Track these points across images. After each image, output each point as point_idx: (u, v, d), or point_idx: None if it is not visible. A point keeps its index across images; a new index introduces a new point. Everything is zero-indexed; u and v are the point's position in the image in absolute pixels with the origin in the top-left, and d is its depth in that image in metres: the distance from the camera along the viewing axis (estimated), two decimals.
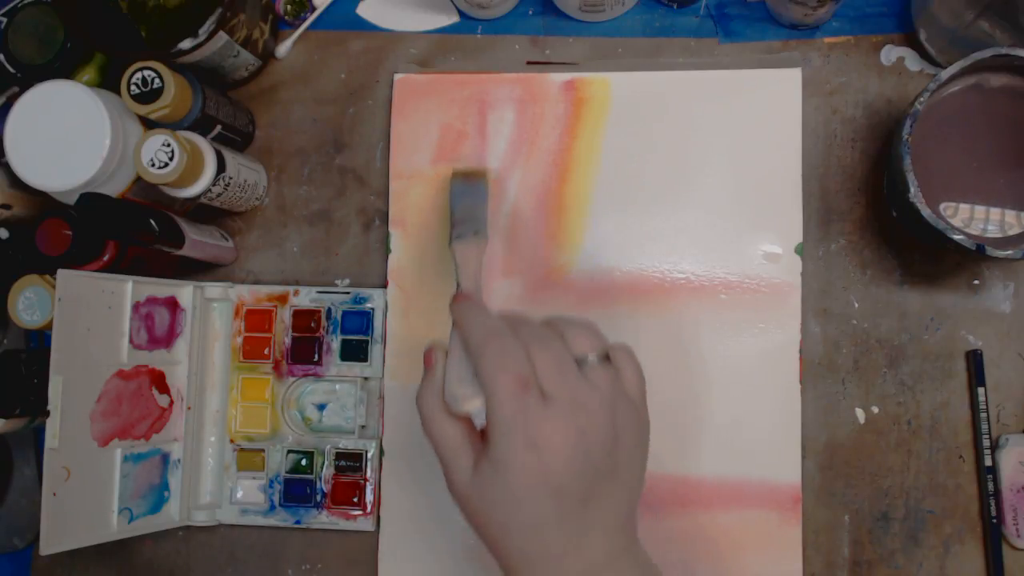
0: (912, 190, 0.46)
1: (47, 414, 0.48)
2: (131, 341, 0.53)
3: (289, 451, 0.57)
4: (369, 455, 0.56)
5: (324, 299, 0.57)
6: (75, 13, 0.53)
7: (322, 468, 0.56)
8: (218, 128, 0.56)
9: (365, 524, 0.56)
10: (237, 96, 0.60)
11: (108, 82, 0.57)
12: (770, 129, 0.54)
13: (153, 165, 0.49)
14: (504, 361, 0.38)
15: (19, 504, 0.59)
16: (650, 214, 0.55)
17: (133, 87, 0.50)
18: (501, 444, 0.37)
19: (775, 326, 0.53)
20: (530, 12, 0.58)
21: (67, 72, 0.56)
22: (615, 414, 0.39)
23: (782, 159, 0.54)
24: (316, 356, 0.57)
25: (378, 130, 0.59)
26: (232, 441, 0.57)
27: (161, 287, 0.55)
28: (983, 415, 0.52)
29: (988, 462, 0.52)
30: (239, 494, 0.57)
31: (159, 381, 0.55)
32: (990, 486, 0.51)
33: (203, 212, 0.58)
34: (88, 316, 0.50)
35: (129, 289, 0.53)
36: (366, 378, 0.57)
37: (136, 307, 0.53)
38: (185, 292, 0.57)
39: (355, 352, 0.57)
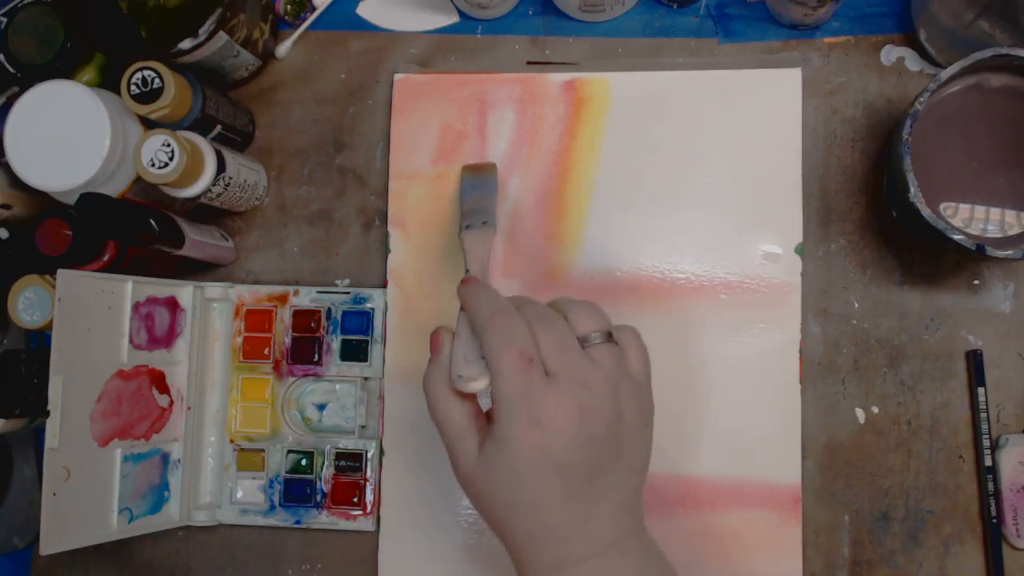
0: (912, 190, 0.46)
1: (47, 414, 0.48)
2: (131, 341, 0.53)
3: (289, 451, 0.57)
4: (369, 455, 0.56)
5: (324, 299, 0.57)
6: (75, 13, 0.53)
7: (322, 468, 0.56)
8: (218, 128, 0.56)
9: (365, 524, 0.56)
10: (237, 96, 0.60)
11: (108, 82, 0.57)
12: (770, 129, 0.54)
13: (153, 165, 0.49)
14: (509, 337, 0.38)
15: (19, 504, 0.59)
16: (650, 214, 0.55)
17: (133, 87, 0.50)
18: (505, 421, 0.37)
19: (775, 326, 0.53)
20: (530, 12, 0.58)
21: (67, 72, 0.56)
22: (618, 393, 0.39)
23: (782, 159, 0.54)
24: (316, 356, 0.57)
25: (378, 130, 0.59)
26: (232, 441, 0.57)
27: (161, 287, 0.55)
28: (983, 415, 0.52)
29: (988, 462, 0.52)
30: (239, 494, 0.57)
31: (159, 381, 0.55)
32: (990, 486, 0.51)
33: (203, 212, 0.58)
34: (88, 316, 0.50)
35: (129, 289, 0.53)
36: (366, 378, 0.57)
37: (136, 307, 0.53)
38: (185, 292, 0.57)
39: (355, 352, 0.57)
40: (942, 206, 0.48)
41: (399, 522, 0.55)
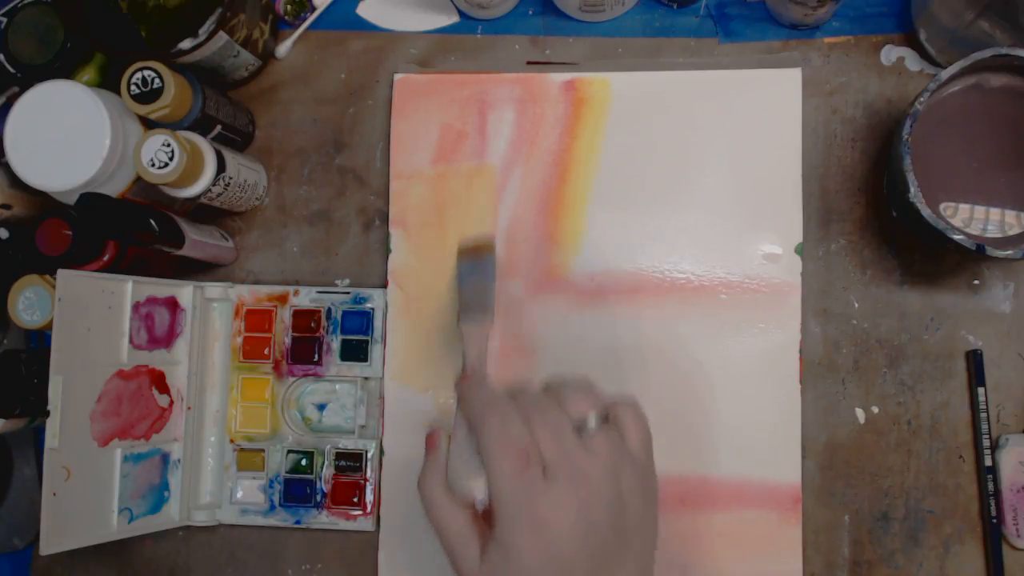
0: (912, 190, 0.46)
1: (47, 414, 0.48)
2: (131, 341, 0.53)
3: (289, 451, 0.57)
4: (369, 455, 0.56)
5: (324, 299, 0.57)
6: (75, 13, 0.53)
7: (322, 468, 0.56)
8: (218, 128, 0.56)
9: (365, 524, 0.56)
10: (237, 96, 0.60)
11: (108, 82, 0.57)
12: (770, 129, 0.54)
13: (153, 165, 0.49)
14: (505, 435, 0.37)
15: (19, 504, 0.59)
16: (650, 214, 0.55)
17: (133, 87, 0.50)
18: (506, 526, 0.37)
19: (775, 326, 0.53)
20: (530, 12, 0.58)
21: (67, 72, 0.56)
22: (619, 480, 0.38)
23: (782, 159, 0.54)
24: (316, 356, 0.57)
25: (378, 130, 0.59)
26: (232, 441, 0.57)
27: (161, 287, 0.55)
28: (983, 415, 0.52)
29: (988, 462, 0.52)
30: (239, 494, 0.57)
31: (159, 381, 0.55)
32: (990, 486, 0.51)
33: (203, 212, 0.58)
34: (88, 316, 0.50)
35: (129, 289, 0.53)
36: (366, 378, 0.57)
37: (136, 307, 0.53)
38: (185, 292, 0.57)
39: (355, 352, 0.57)
40: (942, 206, 0.48)
41: (399, 522, 0.55)
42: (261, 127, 0.60)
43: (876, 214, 0.55)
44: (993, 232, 0.48)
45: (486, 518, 0.39)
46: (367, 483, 0.56)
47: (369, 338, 0.57)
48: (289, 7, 0.60)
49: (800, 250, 0.54)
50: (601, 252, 0.55)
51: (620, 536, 0.38)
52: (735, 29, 0.56)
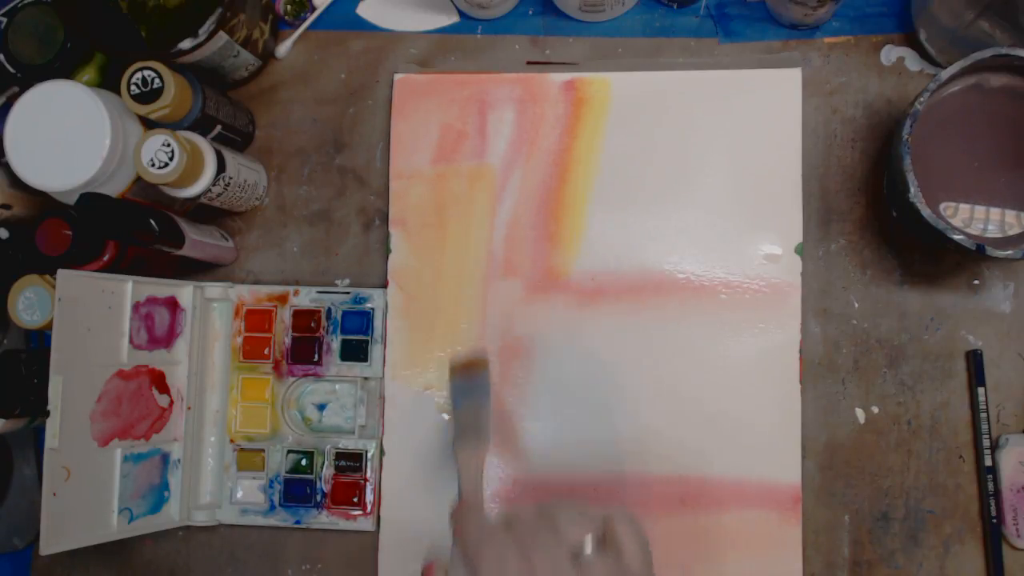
0: (912, 190, 0.46)
1: (47, 414, 0.48)
2: (131, 341, 0.53)
3: (289, 451, 0.57)
4: (369, 455, 0.56)
5: (324, 299, 0.57)
6: (75, 13, 0.53)
7: (322, 468, 0.56)
8: (218, 128, 0.56)
9: (365, 524, 0.56)
10: (237, 96, 0.60)
11: (108, 82, 0.57)
12: (770, 129, 0.54)
13: (153, 165, 0.49)
14: (502, 570, 0.37)
15: (19, 504, 0.59)
16: (650, 214, 0.55)
17: (133, 87, 0.50)
18: None
19: (775, 326, 0.53)
20: (530, 12, 0.58)
21: (67, 72, 0.56)
22: None
23: (782, 159, 0.54)
24: (316, 356, 0.57)
25: (378, 130, 0.59)
26: (232, 441, 0.57)
27: (161, 287, 0.55)
28: (983, 415, 0.52)
29: (988, 462, 0.52)
30: (239, 494, 0.57)
31: (159, 381, 0.55)
32: (990, 486, 0.51)
33: (203, 212, 0.58)
34: (88, 316, 0.50)
35: (129, 289, 0.53)
36: (366, 378, 0.57)
37: (136, 307, 0.53)
38: (185, 292, 0.57)
39: (355, 352, 0.57)
40: (942, 206, 0.48)
41: (399, 522, 0.55)
42: (261, 127, 0.60)
43: (876, 214, 0.55)
44: (993, 232, 0.48)
45: None
46: (367, 483, 0.56)
47: (369, 338, 0.57)
48: (289, 7, 0.60)
49: (800, 250, 0.54)
50: (601, 252, 0.55)
51: None
52: (735, 29, 0.56)
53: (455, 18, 0.59)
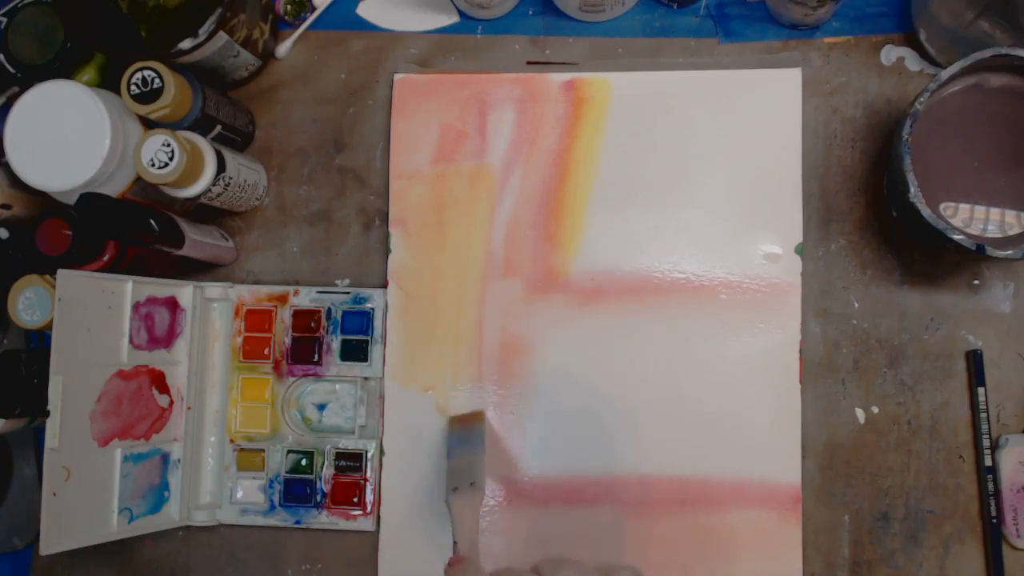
0: (912, 190, 0.46)
1: (47, 414, 0.48)
2: (131, 341, 0.53)
3: (289, 451, 0.57)
4: (369, 455, 0.56)
5: (324, 299, 0.57)
6: (75, 13, 0.53)
7: (322, 468, 0.56)
8: (218, 128, 0.56)
9: (365, 524, 0.56)
10: (237, 96, 0.60)
11: (108, 82, 0.57)
12: (770, 129, 0.54)
13: (153, 165, 0.49)
14: None
15: (19, 504, 0.59)
16: (650, 214, 0.55)
17: (133, 87, 0.50)
18: None
19: (775, 326, 0.53)
20: (530, 12, 0.58)
21: (67, 72, 0.56)
22: None
23: (782, 159, 0.54)
24: (316, 356, 0.57)
25: (378, 130, 0.59)
26: (232, 441, 0.57)
27: (161, 287, 0.55)
28: (983, 415, 0.52)
29: (988, 462, 0.52)
30: (239, 494, 0.57)
31: (159, 381, 0.55)
32: (990, 486, 0.51)
33: (203, 212, 0.58)
34: (88, 316, 0.50)
35: (129, 289, 0.53)
36: (366, 378, 0.57)
37: (136, 307, 0.53)
38: (185, 292, 0.57)
39: (355, 352, 0.57)
40: (942, 206, 0.48)
41: (399, 522, 0.55)
42: (261, 127, 0.60)
43: (876, 214, 0.55)
44: (993, 232, 0.48)
45: None
46: (367, 483, 0.56)
47: (369, 338, 0.57)
48: (289, 7, 0.60)
49: (800, 250, 0.54)
50: (601, 252, 0.55)
51: None
52: (735, 29, 0.56)
53: (455, 18, 0.59)
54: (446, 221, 0.56)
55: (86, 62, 0.57)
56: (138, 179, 0.53)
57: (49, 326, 0.52)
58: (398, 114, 0.57)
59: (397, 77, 0.58)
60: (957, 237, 0.45)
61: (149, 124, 0.53)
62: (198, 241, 0.55)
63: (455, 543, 0.44)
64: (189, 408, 0.56)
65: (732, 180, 0.54)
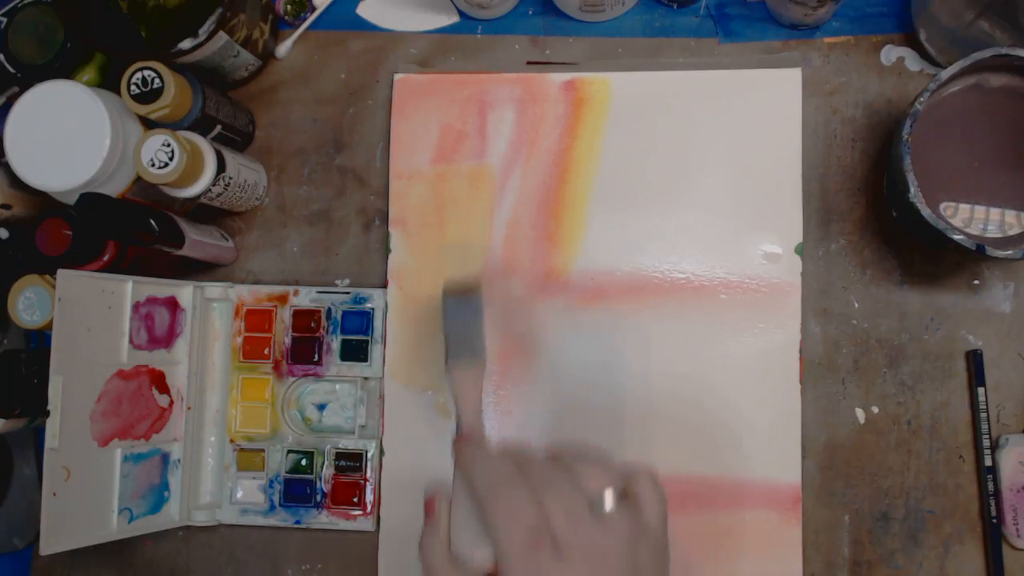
0: (912, 190, 0.46)
1: (47, 414, 0.48)
2: (131, 341, 0.53)
3: (289, 451, 0.57)
4: (369, 455, 0.56)
5: (324, 299, 0.57)
6: (75, 13, 0.53)
7: (322, 468, 0.56)
8: (218, 128, 0.56)
9: (365, 524, 0.56)
10: (237, 96, 0.60)
11: (108, 82, 0.57)
12: (770, 129, 0.54)
13: (153, 165, 0.49)
14: (514, 513, 0.36)
15: (19, 504, 0.59)
16: (650, 214, 0.55)
17: (133, 87, 0.50)
18: None
19: (775, 326, 0.53)
20: (530, 12, 0.58)
21: (67, 72, 0.56)
22: (636, 556, 0.37)
23: (782, 159, 0.54)
24: (316, 356, 0.57)
25: (378, 130, 0.59)
26: (232, 441, 0.57)
27: (161, 287, 0.55)
28: (983, 415, 0.52)
29: (988, 462, 0.52)
30: (239, 494, 0.57)
31: (159, 381, 0.55)
32: (990, 486, 0.51)
33: (203, 212, 0.58)
34: (88, 316, 0.50)
35: (129, 289, 0.53)
36: (366, 378, 0.57)
37: (136, 307, 0.53)
38: (185, 292, 0.57)
39: (355, 352, 0.57)
40: (942, 206, 0.48)
41: (399, 522, 0.55)
42: (261, 127, 0.60)
43: (876, 214, 0.55)
44: (993, 232, 0.48)
45: None
46: (367, 483, 0.56)
47: (369, 338, 0.57)
48: (289, 7, 0.60)
49: (800, 250, 0.54)
50: (601, 252, 0.55)
51: None
52: (735, 29, 0.56)
53: (455, 18, 0.59)
54: (446, 221, 0.56)
55: (86, 62, 0.57)
56: (138, 179, 0.53)
57: (49, 326, 0.52)
58: (398, 114, 0.57)
59: (397, 77, 0.58)
60: (957, 237, 0.45)
61: (149, 124, 0.53)
62: (198, 241, 0.55)
63: (457, 420, 0.43)
64: (189, 408, 0.56)
65: (732, 180, 0.54)
